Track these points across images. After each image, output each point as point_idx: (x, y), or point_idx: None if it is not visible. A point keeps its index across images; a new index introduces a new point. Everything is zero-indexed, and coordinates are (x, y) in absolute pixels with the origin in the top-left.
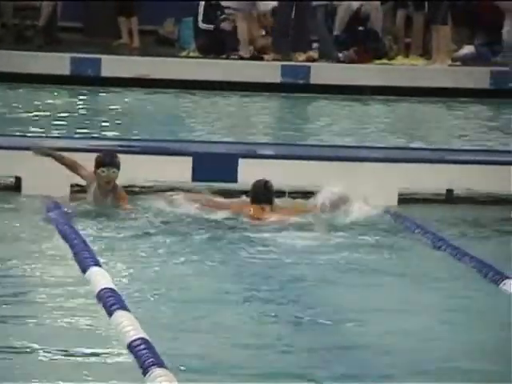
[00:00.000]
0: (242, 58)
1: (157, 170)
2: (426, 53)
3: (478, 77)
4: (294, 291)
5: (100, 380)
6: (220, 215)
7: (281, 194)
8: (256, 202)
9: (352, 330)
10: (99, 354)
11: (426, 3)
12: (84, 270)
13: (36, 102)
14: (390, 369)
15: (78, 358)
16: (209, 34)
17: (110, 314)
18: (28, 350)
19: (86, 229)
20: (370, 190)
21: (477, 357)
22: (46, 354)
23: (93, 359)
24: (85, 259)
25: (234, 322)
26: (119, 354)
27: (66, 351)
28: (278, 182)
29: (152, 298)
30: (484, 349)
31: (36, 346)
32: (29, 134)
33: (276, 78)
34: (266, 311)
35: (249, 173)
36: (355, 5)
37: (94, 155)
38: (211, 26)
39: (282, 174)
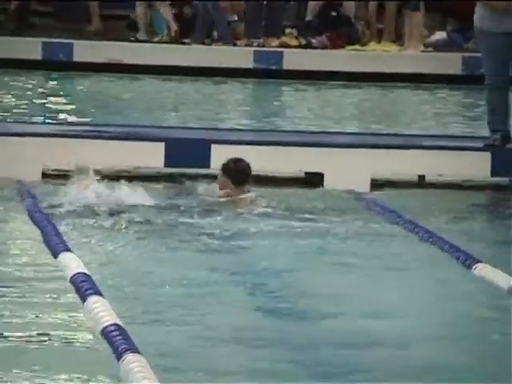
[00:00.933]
0: (214, 42)
1: (129, 156)
2: (399, 39)
3: (450, 62)
4: (268, 278)
5: (73, 366)
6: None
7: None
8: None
9: (327, 316)
10: (72, 339)
11: None
12: (55, 255)
13: (7, 87)
14: (366, 356)
15: (50, 344)
16: (180, 20)
17: (83, 299)
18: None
19: (58, 216)
20: (342, 175)
21: (450, 341)
22: (17, 340)
23: (66, 345)
24: (56, 245)
25: (208, 308)
26: (92, 340)
27: (38, 336)
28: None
29: (124, 284)
30: (458, 334)
31: (7, 332)
32: None
33: (249, 63)
34: (241, 299)
35: (221, 158)
36: None
37: (64, 140)
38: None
39: (255, 159)
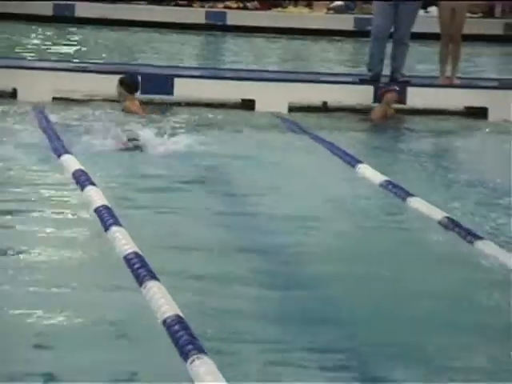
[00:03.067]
0: (177, 5)
1: (114, 87)
2: (309, 4)
3: (345, 21)
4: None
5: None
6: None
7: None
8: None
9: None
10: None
11: None
12: (58, 156)
13: (27, 37)
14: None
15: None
16: None
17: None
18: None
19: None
20: (269, 101)
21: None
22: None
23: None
24: (59, 148)
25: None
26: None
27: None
28: (203, 96)
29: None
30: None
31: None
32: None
33: (201, 20)
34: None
35: (182, 89)
36: None
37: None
38: None
39: (205, 90)
